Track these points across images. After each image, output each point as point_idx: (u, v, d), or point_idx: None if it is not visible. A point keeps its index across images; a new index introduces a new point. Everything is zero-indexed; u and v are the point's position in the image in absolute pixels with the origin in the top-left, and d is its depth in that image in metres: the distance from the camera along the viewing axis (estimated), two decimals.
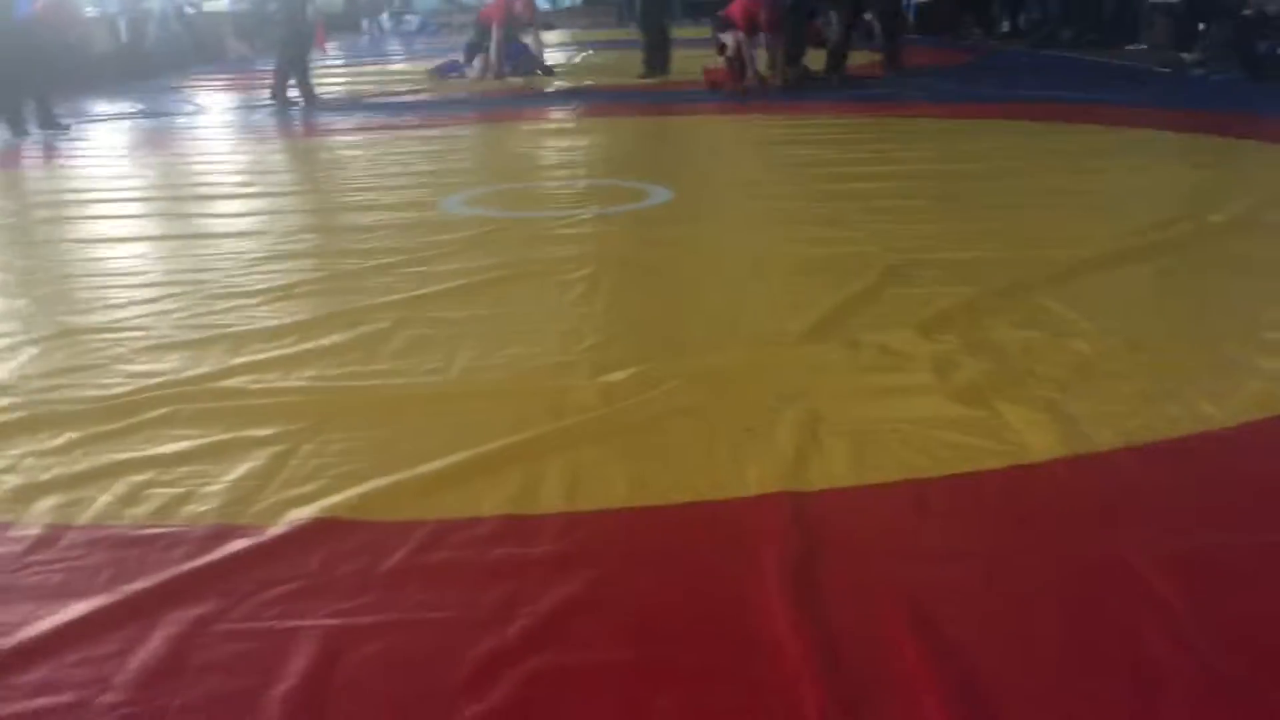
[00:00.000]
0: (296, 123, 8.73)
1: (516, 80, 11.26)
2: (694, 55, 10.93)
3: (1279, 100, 7.58)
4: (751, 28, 9.26)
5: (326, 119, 8.77)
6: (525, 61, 11.68)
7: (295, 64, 9.62)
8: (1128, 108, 7.52)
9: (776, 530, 1.94)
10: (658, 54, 11.07)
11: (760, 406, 2.49)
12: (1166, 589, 1.72)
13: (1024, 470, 2.15)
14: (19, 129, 7.73)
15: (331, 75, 12.10)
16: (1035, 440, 2.26)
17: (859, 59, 11.82)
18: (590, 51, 15.50)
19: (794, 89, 9.30)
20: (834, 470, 2.17)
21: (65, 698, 1.56)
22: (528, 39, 11.85)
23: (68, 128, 8.08)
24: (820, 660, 1.57)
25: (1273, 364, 2.65)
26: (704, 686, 1.54)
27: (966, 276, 3.45)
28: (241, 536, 1.99)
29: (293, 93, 9.56)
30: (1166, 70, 9.90)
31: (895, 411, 2.44)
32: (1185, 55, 10.21)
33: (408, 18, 26.34)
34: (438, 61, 12.37)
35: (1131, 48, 12.30)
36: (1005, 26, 15.73)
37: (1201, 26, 10.39)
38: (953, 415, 2.41)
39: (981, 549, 1.88)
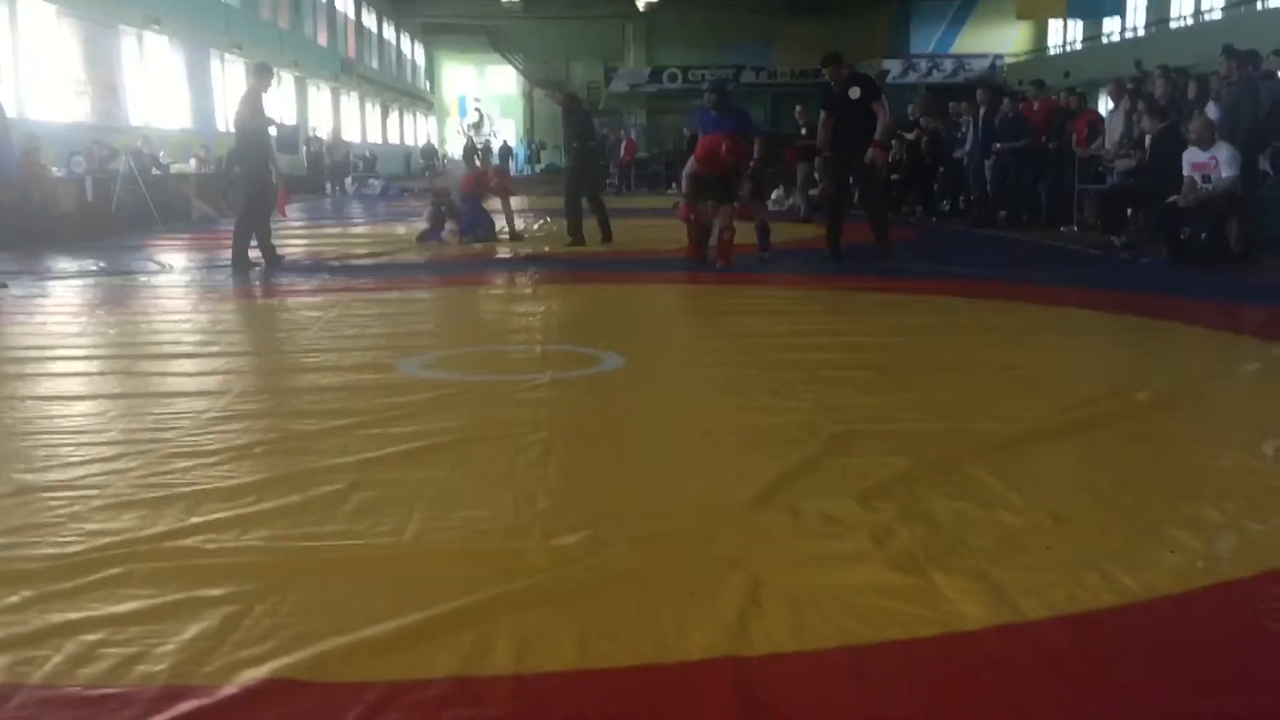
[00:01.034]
0: (256, 283, 8.89)
1: (477, 245, 11.62)
2: (645, 225, 11.34)
3: (1200, 284, 8.00)
4: (710, 177, 9.11)
5: (287, 280, 8.95)
6: (486, 226, 12.13)
7: (257, 225, 9.86)
8: (1060, 287, 7.90)
9: (718, 695, 2.01)
10: (574, 223, 11.53)
11: (705, 572, 2.58)
12: None
13: (956, 638, 2.25)
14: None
15: (294, 237, 12.36)
16: (967, 608, 2.36)
17: (809, 231, 12.29)
18: (547, 219, 15.96)
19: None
20: (774, 635, 2.25)
21: None
22: (495, 205, 12.32)
23: (4, 285, 8.23)
24: None
25: (1188, 538, 2.78)
26: None
27: (904, 447, 3.60)
28: (193, 697, 2.02)
29: (254, 253, 9.77)
30: (1097, 252, 10.42)
31: (834, 578, 2.54)
32: (1114, 239, 10.77)
33: (371, 182, 27.05)
34: (420, 228, 12.72)
35: (1064, 229, 12.92)
36: (945, 206, 16.47)
37: (1129, 212, 10.98)
38: (889, 583, 2.51)
39: (914, 715, 1.96)
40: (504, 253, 11.05)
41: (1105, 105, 15.79)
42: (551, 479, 3.35)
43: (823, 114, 9.96)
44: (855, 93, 9.60)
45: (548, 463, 3.52)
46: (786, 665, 2.15)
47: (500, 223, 12.37)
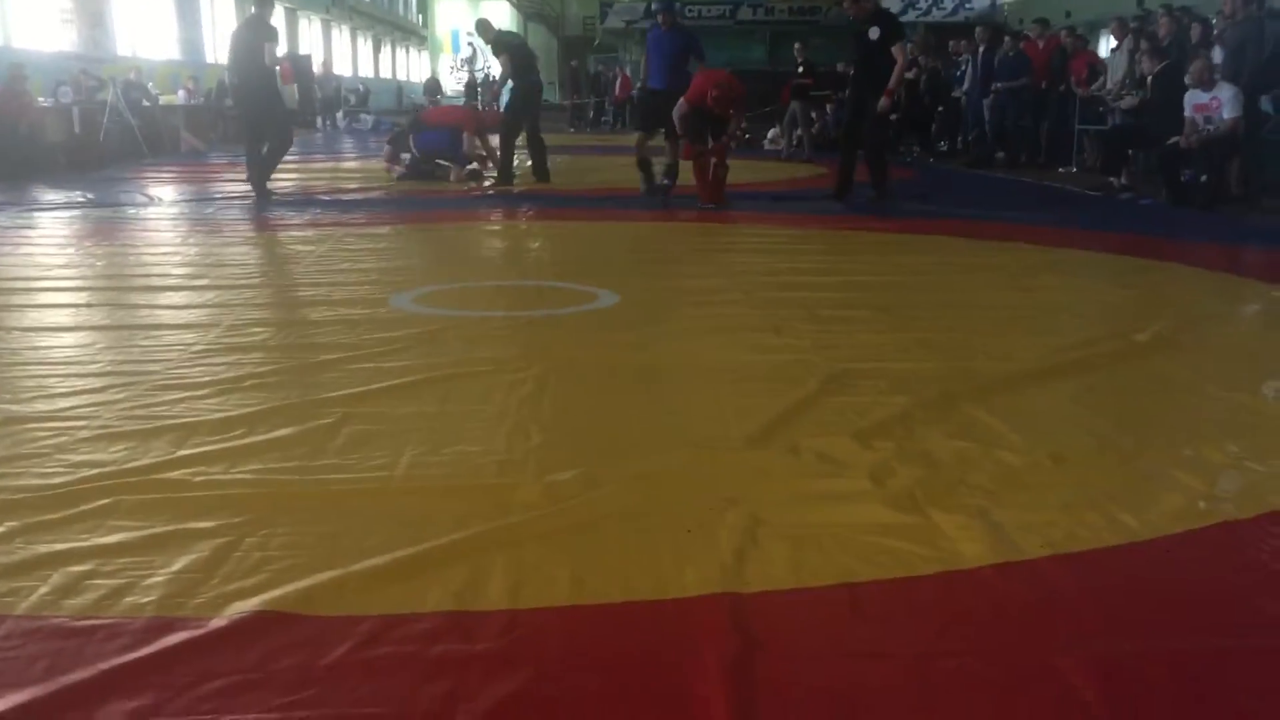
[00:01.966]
0: (247, 216, 8.78)
1: (475, 182, 11.39)
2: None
3: (1199, 226, 7.94)
4: (698, 119, 8.86)
5: (277, 214, 8.84)
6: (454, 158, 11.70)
7: (270, 158, 9.73)
8: (1058, 228, 7.83)
9: (715, 630, 1.99)
10: (505, 162, 11.30)
11: (701, 509, 2.55)
12: (1087, 693, 1.79)
13: (955, 576, 2.22)
14: None
15: (285, 171, 12.18)
16: (965, 547, 2.34)
17: (806, 170, 12.20)
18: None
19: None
20: (772, 573, 2.23)
21: None
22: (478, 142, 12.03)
23: None
24: None
25: (1189, 479, 2.76)
26: None
27: (903, 386, 3.56)
28: (181, 629, 1.99)
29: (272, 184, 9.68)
30: (1096, 193, 10.33)
31: (832, 517, 2.51)
32: (1114, 180, 10.68)
33: (363, 116, 26.74)
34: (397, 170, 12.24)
35: (1063, 170, 12.81)
36: (944, 146, 16.33)
37: (1130, 153, 10.88)
38: (887, 521, 2.48)
39: (912, 651, 1.94)
40: (492, 190, 10.92)
41: (1108, 45, 15.58)
42: (545, 415, 3.31)
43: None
44: (875, 33, 9.04)
45: (541, 399, 3.48)
46: (783, 601, 2.13)
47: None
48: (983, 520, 2.47)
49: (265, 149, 9.71)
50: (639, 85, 14.16)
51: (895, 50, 8.97)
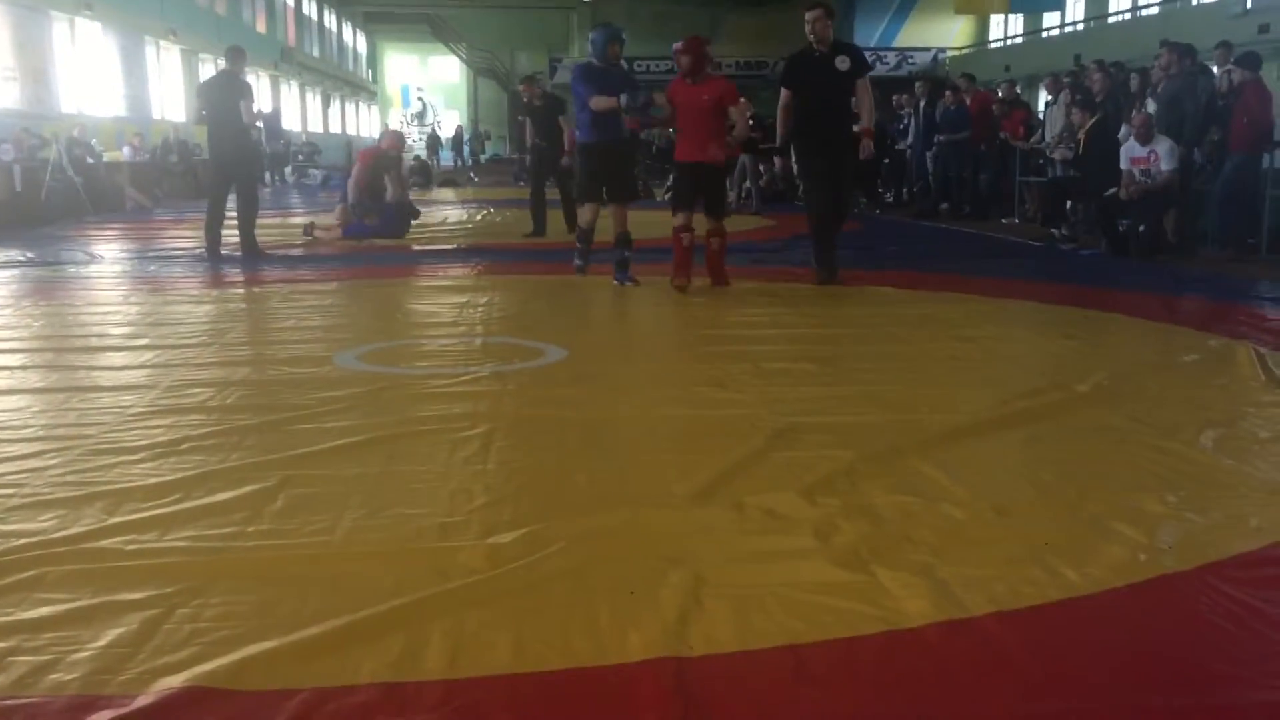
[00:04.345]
0: (191, 274, 8.68)
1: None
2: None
3: (1138, 275, 8.10)
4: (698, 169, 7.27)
5: (222, 271, 8.75)
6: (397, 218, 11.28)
7: (236, 214, 9.62)
8: (1002, 279, 7.94)
9: (658, 697, 1.95)
10: (539, 213, 11.43)
11: (645, 569, 2.52)
12: None
13: (899, 635, 2.21)
14: None
15: (230, 227, 12.09)
16: (910, 605, 2.32)
17: (754, 223, 12.29)
18: (490, 210, 15.83)
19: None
20: (716, 635, 2.20)
21: None
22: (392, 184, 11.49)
23: None
24: None
25: (1130, 530, 2.77)
26: None
27: (848, 440, 3.56)
28: (106, 708, 1.92)
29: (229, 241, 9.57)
30: (1038, 244, 10.51)
31: (777, 575, 2.49)
32: (1055, 231, 10.88)
33: (311, 172, 26.65)
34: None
35: (1006, 221, 13.03)
36: (889, 197, 16.56)
37: (1069, 204, 11.10)
38: (832, 580, 2.47)
39: (858, 715, 1.92)
40: (442, 244, 10.89)
41: (1044, 99, 15.94)
42: (490, 474, 3.28)
43: (784, 93, 7.45)
44: (844, 63, 7.30)
45: (486, 458, 3.44)
46: (727, 665, 2.10)
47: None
48: (927, 577, 2.46)
49: (239, 205, 9.62)
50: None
51: (862, 85, 7.37)
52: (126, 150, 18.63)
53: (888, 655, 2.14)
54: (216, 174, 9.93)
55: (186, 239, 10.26)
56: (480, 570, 2.53)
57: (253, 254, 9.50)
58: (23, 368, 5.03)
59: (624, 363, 5.11)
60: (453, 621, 2.25)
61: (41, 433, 3.77)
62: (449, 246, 10.68)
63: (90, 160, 16.08)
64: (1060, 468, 3.38)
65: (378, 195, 11.35)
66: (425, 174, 23.70)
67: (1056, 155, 11.61)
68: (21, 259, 9.57)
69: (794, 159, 7.74)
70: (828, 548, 2.66)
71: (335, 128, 42.18)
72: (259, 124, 9.78)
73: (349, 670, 2.04)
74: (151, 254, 9.85)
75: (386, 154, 11.76)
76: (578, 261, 8.11)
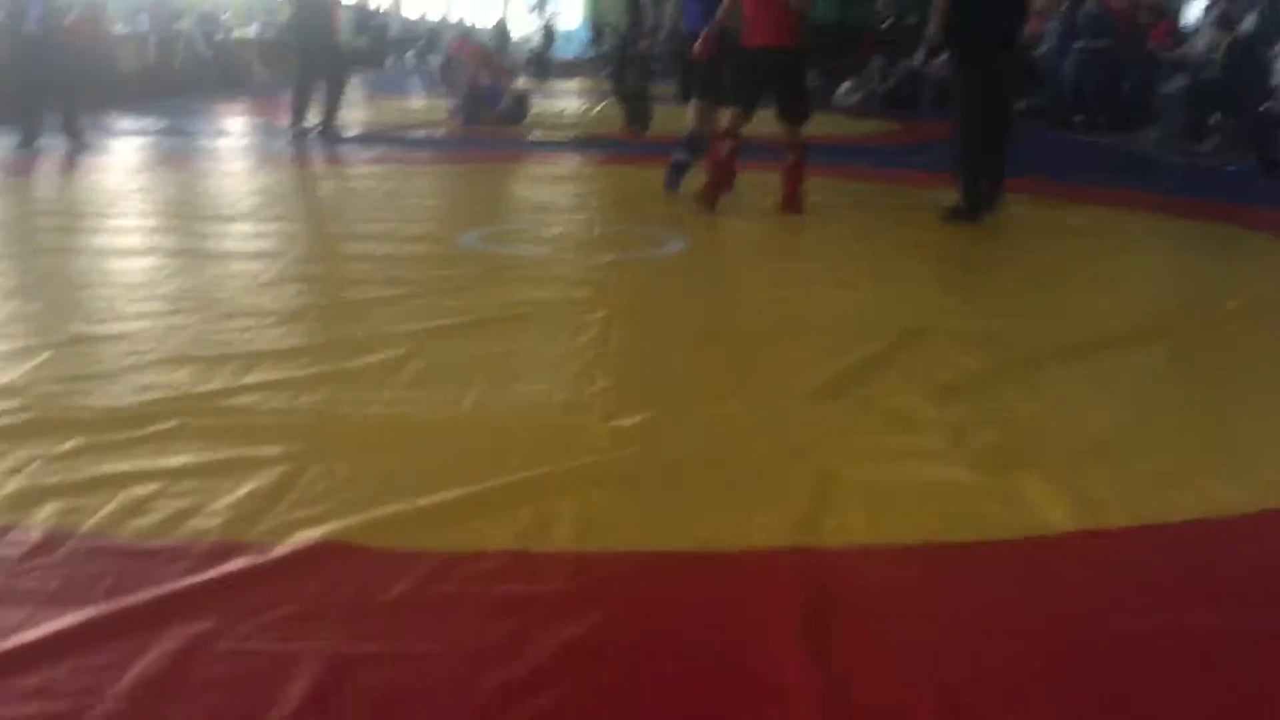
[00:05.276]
0: (315, 151, 8.77)
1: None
2: None
3: None
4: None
5: (346, 150, 8.82)
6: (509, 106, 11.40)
7: (316, 91, 9.63)
8: (1141, 192, 7.56)
9: (785, 585, 1.92)
10: (639, 110, 11.09)
11: (771, 460, 2.48)
12: (1172, 665, 1.70)
13: (1038, 541, 2.13)
14: (31, 139, 7.73)
15: (353, 108, 12.19)
16: (1049, 512, 2.23)
17: (872, 126, 11.94)
18: (606, 103, 15.64)
19: None
20: (846, 528, 2.15)
21: (58, 705, 1.53)
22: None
23: (88, 145, 8.09)
24: (827, 715, 1.54)
25: None
26: None
27: (983, 345, 3.44)
28: (244, 555, 1.96)
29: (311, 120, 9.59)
30: (1180, 158, 9.99)
31: (908, 475, 2.42)
32: (1199, 145, 10.31)
33: (431, 57, 26.64)
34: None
35: (1145, 134, 12.41)
36: (1022, 105, 15.89)
37: (1217, 117, 10.49)
38: (966, 482, 2.39)
39: (995, 616, 1.86)
40: (561, 133, 10.80)
41: (1195, 8, 15.01)
42: (610, 359, 3.25)
43: None
44: None
45: (607, 343, 3.41)
46: (858, 558, 2.05)
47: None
48: (1065, 486, 2.36)
49: (327, 89, 9.63)
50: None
51: None
52: (255, 27, 18.83)
53: (1026, 560, 2.07)
54: (301, 56, 9.92)
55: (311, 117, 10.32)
56: (604, 450, 2.51)
57: (331, 131, 9.46)
58: (157, 231, 5.15)
59: (746, 257, 5.02)
60: (580, 497, 2.24)
61: (176, 294, 3.86)
62: (564, 137, 10.58)
63: (219, 36, 16.31)
64: (1208, 383, 3.23)
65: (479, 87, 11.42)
66: (542, 65, 23.51)
67: (1204, 68, 10.93)
68: (155, 128, 9.78)
69: (951, 60, 6.24)
70: (961, 450, 2.57)
71: (455, 16, 41.98)
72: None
73: (479, 537, 2.05)
74: (278, 130, 9.96)
75: (458, 57, 12.05)
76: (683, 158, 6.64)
